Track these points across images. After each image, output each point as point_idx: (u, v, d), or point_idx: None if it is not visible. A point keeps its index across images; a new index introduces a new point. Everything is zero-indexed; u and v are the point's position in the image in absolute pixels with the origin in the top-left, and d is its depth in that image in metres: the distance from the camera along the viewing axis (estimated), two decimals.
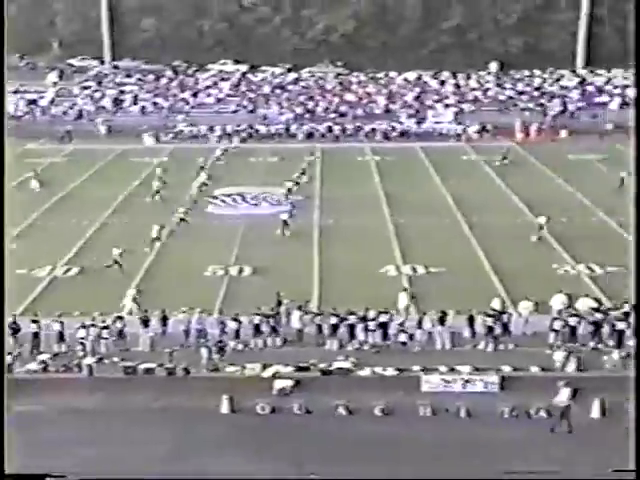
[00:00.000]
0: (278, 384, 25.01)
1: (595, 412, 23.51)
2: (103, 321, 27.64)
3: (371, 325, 27.70)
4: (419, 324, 27.79)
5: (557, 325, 27.59)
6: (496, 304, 29.04)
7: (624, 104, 71.69)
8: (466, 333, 27.98)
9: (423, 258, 35.74)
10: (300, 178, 51.05)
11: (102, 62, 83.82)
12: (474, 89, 75.83)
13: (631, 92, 72.90)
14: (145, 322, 27.87)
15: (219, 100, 74.52)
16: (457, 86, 76.72)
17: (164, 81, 78.88)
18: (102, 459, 20.69)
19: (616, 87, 74.67)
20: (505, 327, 27.88)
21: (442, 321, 27.72)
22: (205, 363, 26.09)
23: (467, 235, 39.55)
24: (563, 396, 22.85)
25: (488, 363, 26.00)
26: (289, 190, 47.83)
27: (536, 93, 74.39)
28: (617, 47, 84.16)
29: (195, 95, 75.35)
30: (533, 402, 23.64)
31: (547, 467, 20.84)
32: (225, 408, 23.95)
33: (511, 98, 73.76)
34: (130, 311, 29.59)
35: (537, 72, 78.78)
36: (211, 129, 67.20)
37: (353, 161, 57.70)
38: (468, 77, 78.53)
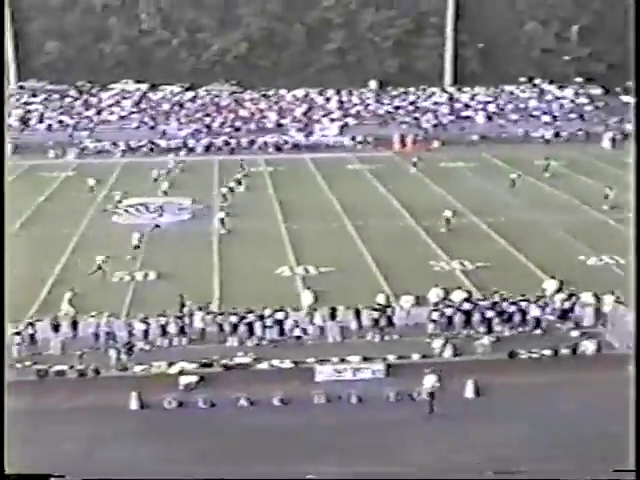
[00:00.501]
0: (183, 380, 24.75)
1: (469, 392, 24.09)
2: (15, 327, 26.75)
3: (268, 322, 27.68)
4: (311, 319, 27.92)
5: (434, 316, 28.15)
6: (381, 299, 29.40)
7: (488, 117, 73.80)
8: (354, 326, 28.25)
9: (314, 259, 35.92)
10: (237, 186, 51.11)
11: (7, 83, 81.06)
12: (356, 105, 76.65)
13: (492, 107, 75.24)
14: (55, 327, 27.12)
15: (122, 117, 73.17)
16: (341, 102, 77.40)
17: (69, 100, 76.94)
18: (17, 459, 19.97)
19: (479, 103, 76.80)
20: (389, 320, 28.28)
21: (332, 316, 27.93)
22: (114, 363, 25.58)
23: (354, 237, 39.93)
24: (429, 382, 23.34)
25: (375, 353, 26.33)
26: (224, 197, 47.67)
27: (411, 108, 75.76)
28: (478, 68, 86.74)
29: (99, 113, 73.82)
30: (415, 386, 24.06)
31: (422, 442, 21.28)
32: (134, 404, 23.54)
33: (389, 113, 74.89)
34: (67, 312, 28.74)
35: (411, 89, 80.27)
36: (114, 144, 66.11)
37: (248, 172, 57.54)
38: (350, 94, 79.34)
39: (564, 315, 28.45)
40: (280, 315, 27.88)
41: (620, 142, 66.93)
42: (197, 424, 22.76)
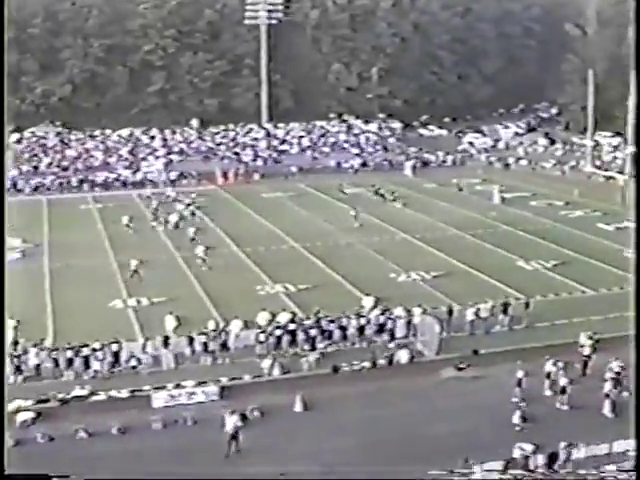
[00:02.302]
0: (20, 417, 23.34)
1: (298, 407, 24.26)
2: None
3: (103, 354, 26.66)
4: (144, 348, 27.15)
5: (262, 337, 28.19)
6: (211, 325, 29.13)
7: (302, 150, 75.31)
8: (188, 352, 27.78)
9: (146, 291, 35.08)
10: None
11: None
12: (180, 142, 75.94)
13: (306, 141, 76.90)
14: None
15: None
16: (164, 140, 76.41)
17: None
18: None
19: (294, 137, 78.25)
20: (221, 344, 28.01)
21: (166, 344, 27.33)
22: None
23: (183, 268, 39.37)
24: (230, 424, 21.86)
25: (208, 376, 25.99)
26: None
27: (231, 144, 76.00)
28: (292, 105, 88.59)
29: None
30: (248, 404, 23.95)
31: (258, 454, 21.24)
32: None
33: (211, 149, 74.78)
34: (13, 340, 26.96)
35: (231, 126, 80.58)
36: None
37: (77, 210, 55.47)
38: (174, 132, 78.52)
39: (380, 329, 29.30)
40: (115, 347, 26.97)
41: (420, 169, 70.31)
42: (35, 458, 21.50)
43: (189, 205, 54.49)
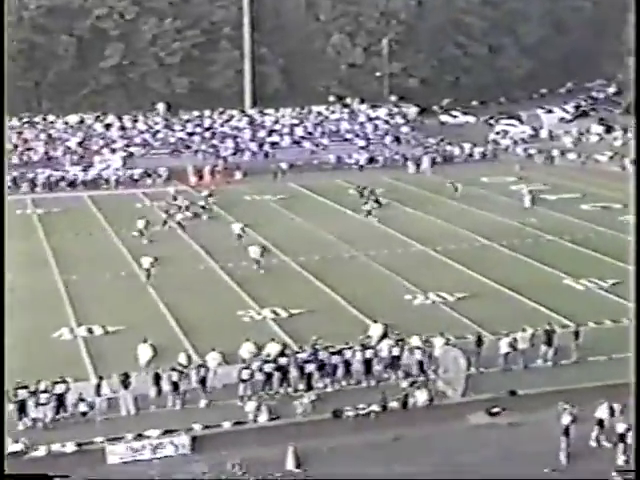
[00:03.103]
0: None
1: (289, 462, 24.01)
2: None
3: (44, 398, 26.43)
4: (97, 390, 26.97)
5: (246, 374, 28.07)
6: (182, 359, 29.00)
7: (295, 143, 75.48)
8: (152, 393, 27.65)
9: (100, 317, 34.98)
10: None
11: None
12: (142, 132, 76.02)
13: (300, 130, 77.11)
14: None
15: None
16: (123, 129, 76.47)
17: None
18: None
19: (285, 127, 78.33)
20: (195, 382, 27.88)
21: (125, 384, 27.15)
22: None
23: (146, 288, 39.31)
24: None
25: (178, 423, 25.85)
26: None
27: (207, 134, 76.11)
28: (281, 86, 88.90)
29: None
30: (227, 459, 23.78)
31: None
32: None
33: (182, 141, 74.90)
34: None
35: (207, 113, 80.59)
36: None
37: (12, 216, 55.39)
38: (135, 120, 78.56)
39: (392, 363, 29.23)
40: (60, 388, 26.76)
41: (440, 166, 70.50)
42: None
43: (203, 207, 55.12)
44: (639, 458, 19.43)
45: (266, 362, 28.53)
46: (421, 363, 29.30)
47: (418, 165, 70.38)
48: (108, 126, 76.82)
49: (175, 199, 56.80)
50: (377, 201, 55.32)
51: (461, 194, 58.43)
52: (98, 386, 27.15)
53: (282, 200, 59.07)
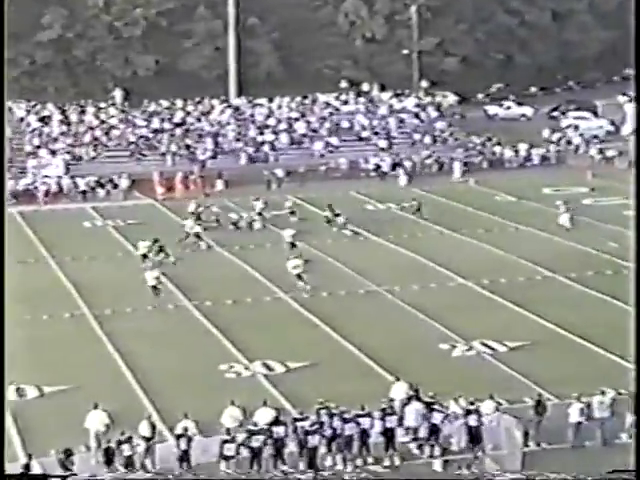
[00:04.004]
0: None
1: None
2: None
3: None
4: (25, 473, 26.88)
5: (229, 449, 28.04)
6: (144, 429, 29.02)
7: (294, 143, 75.71)
8: (106, 477, 27.67)
9: (34, 374, 35.03)
10: None
11: None
12: (92, 128, 76.20)
13: (301, 126, 77.36)
14: None
15: None
16: (67, 124, 76.71)
17: None
18: None
19: (282, 121, 78.59)
20: (172, 458, 27.94)
21: (65, 465, 27.05)
22: None
23: (96, 332, 39.47)
24: None
25: None
26: None
27: (179, 131, 76.31)
28: (276, 67, 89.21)
29: None
30: None
31: None
32: None
33: (146, 140, 75.03)
34: None
35: (179, 103, 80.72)
36: None
37: None
38: (82, 111, 78.76)
39: (423, 435, 29.19)
40: None
41: (486, 172, 70.67)
42: None
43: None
44: (639, 458, 21.45)
45: (256, 433, 28.57)
46: (462, 436, 29.27)
47: (463, 172, 70.64)
48: (46, 119, 77.11)
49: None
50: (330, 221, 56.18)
51: (515, 210, 58.56)
52: (26, 467, 27.02)
53: (277, 218, 59.03)
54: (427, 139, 77.28)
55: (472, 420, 29.36)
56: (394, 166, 72.78)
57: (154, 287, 44.26)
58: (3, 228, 24.57)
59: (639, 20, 53.48)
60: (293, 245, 50.77)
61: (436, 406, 29.79)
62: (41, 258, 51.62)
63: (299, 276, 44.75)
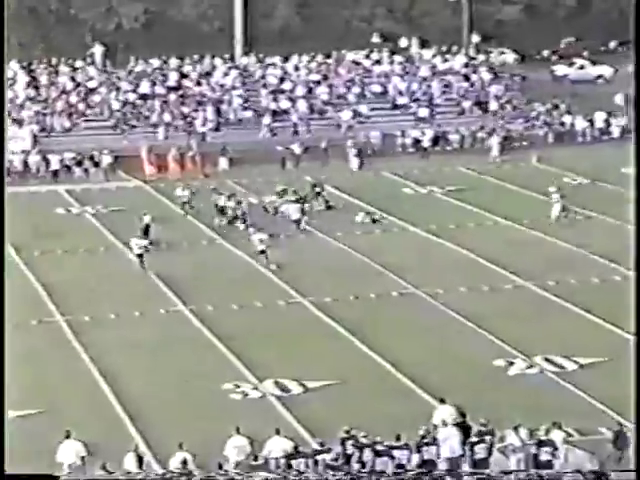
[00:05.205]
0: None
1: None
2: None
3: None
4: None
5: None
6: (130, 462, 29.19)
7: (312, 110, 75.73)
8: None
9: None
10: None
11: None
12: (66, 92, 76.23)
13: (323, 92, 77.25)
14: None
15: None
16: (35, 87, 76.69)
17: None
18: None
19: (297, 84, 78.52)
20: None
21: None
22: None
23: (72, 345, 39.74)
24: None
25: None
26: None
27: (173, 97, 76.31)
28: (292, 18, 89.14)
29: None
30: None
31: None
32: None
33: (133, 106, 75.07)
34: None
35: (173, 61, 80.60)
36: None
37: None
38: (54, 71, 78.53)
39: (475, 467, 29.28)
40: None
41: (553, 147, 70.61)
42: None
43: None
44: (639, 458, 21.63)
45: (272, 466, 28.71)
46: (524, 471, 29.33)
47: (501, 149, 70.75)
48: (8, 82, 77.18)
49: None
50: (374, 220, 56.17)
51: (587, 194, 58.55)
52: None
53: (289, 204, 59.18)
54: (478, 107, 77.29)
55: (534, 454, 29.51)
56: (437, 140, 72.86)
57: (139, 256, 47.22)
58: (3, 226, 24.50)
59: (639, 20, 56.24)
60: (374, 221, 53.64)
61: (489, 436, 29.96)
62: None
63: (262, 252, 45.66)
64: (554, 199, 56.09)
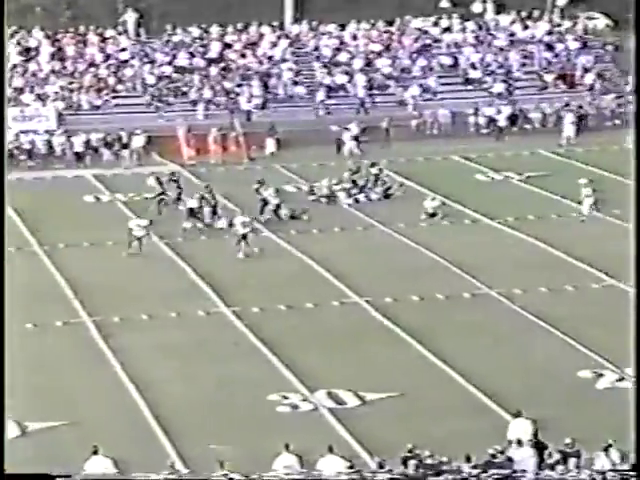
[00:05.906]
0: None
1: None
2: None
3: None
4: None
5: None
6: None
7: (372, 86, 75.75)
8: None
9: (17, 404, 35.43)
10: None
11: None
12: (95, 65, 76.49)
13: (385, 64, 77.18)
14: None
15: None
16: (60, 59, 76.91)
17: None
18: None
19: (354, 56, 78.51)
20: None
21: None
22: None
23: (100, 350, 39.91)
24: None
25: None
26: None
27: (214, 70, 76.42)
28: None
29: None
30: None
31: None
32: None
33: (169, 81, 75.22)
34: None
35: (215, 29, 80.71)
36: None
37: None
38: (82, 41, 78.66)
39: None
40: None
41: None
42: None
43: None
44: (639, 458, 22.17)
45: None
46: None
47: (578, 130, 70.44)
48: (31, 52, 77.59)
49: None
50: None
51: None
52: None
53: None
54: (563, 82, 77.11)
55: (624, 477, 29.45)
56: (515, 119, 72.72)
57: (139, 239, 48.85)
58: (3, 225, 25.26)
59: (639, 19, 59.28)
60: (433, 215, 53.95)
61: (574, 459, 29.92)
62: (25, 245, 52.10)
63: (244, 237, 46.70)
64: (584, 193, 55.88)
